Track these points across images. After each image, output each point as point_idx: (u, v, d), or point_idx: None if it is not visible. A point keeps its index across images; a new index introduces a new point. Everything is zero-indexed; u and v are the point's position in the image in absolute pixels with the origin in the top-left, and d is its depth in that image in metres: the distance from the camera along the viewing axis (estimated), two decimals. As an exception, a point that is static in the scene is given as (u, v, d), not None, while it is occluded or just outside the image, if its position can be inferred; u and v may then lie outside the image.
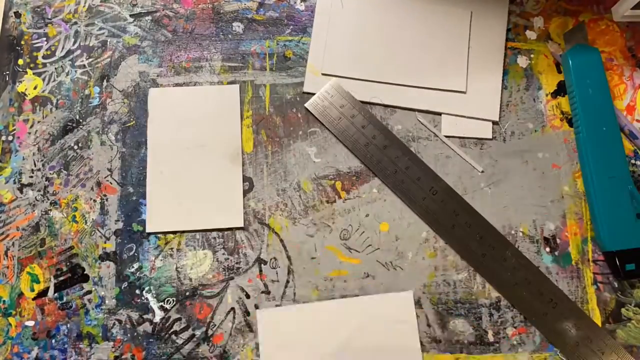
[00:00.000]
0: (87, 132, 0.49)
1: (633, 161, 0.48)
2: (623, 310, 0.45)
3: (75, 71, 0.50)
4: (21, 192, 0.48)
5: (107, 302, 0.45)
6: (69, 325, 0.45)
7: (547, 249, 0.46)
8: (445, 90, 0.49)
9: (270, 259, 0.46)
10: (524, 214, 0.47)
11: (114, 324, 0.45)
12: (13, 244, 0.47)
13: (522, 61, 0.50)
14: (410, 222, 0.47)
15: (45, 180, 0.48)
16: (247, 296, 0.45)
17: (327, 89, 0.49)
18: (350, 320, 0.44)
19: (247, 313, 0.45)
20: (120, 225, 0.47)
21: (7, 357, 0.44)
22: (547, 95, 0.49)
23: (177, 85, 0.50)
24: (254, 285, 0.46)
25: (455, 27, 0.50)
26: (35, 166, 0.48)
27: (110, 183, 0.48)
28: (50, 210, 0.47)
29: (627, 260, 0.44)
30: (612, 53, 0.50)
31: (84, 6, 0.52)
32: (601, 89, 0.47)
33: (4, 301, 0.45)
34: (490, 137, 0.48)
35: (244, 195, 0.47)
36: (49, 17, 0.51)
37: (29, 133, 0.49)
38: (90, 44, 0.51)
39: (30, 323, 0.45)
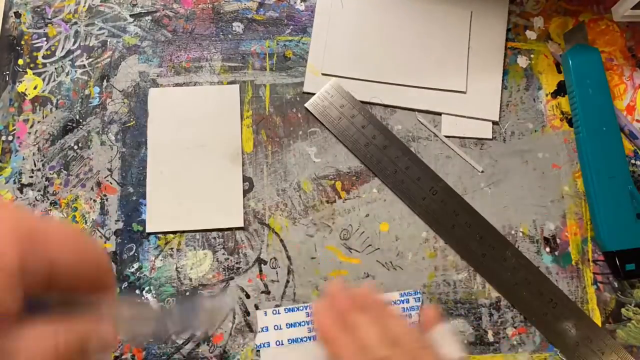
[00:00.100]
0: (87, 132, 0.49)
1: (633, 161, 0.48)
2: (623, 310, 0.45)
3: (75, 71, 0.50)
4: (21, 192, 0.48)
5: (107, 302, 0.45)
6: (69, 325, 0.45)
7: (547, 249, 0.46)
8: (445, 90, 0.49)
9: (270, 259, 0.46)
10: (524, 214, 0.47)
11: (114, 324, 0.45)
12: (13, 244, 0.47)
13: (522, 61, 0.50)
14: (410, 222, 0.47)
15: (45, 180, 0.48)
16: (247, 296, 0.45)
17: (327, 89, 0.49)
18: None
19: (247, 313, 0.45)
20: (120, 225, 0.47)
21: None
22: (547, 95, 0.49)
23: (177, 85, 0.50)
24: (254, 285, 0.46)
25: (455, 27, 0.50)
26: (35, 166, 0.48)
27: (110, 183, 0.48)
28: (50, 210, 0.47)
29: (627, 260, 0.44)
30: (612, 53, 0.50)
31: (84, 6, 0.52)
32: (601, 89, 0.47)
33: (4, 301, 0.45)
34: (490, 137, 0.48)
35: (244, 195, 0.47)
36: (49, 17, 0.51)
37: (29, 133, 0.49)
38: (90, 44, 0.51)
39: (30, 323, 0.45)
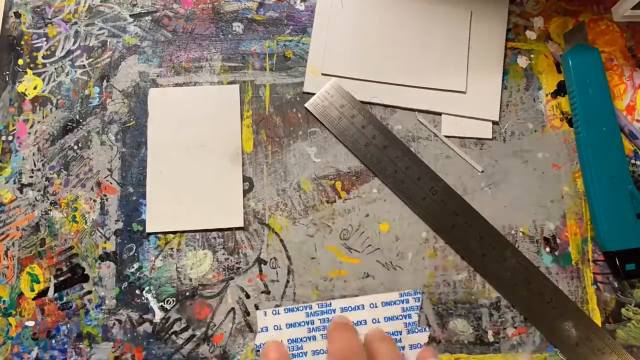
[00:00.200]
0: (87, 132, 0.49)
1: (633, 161, 0.48)
2: (623, 310, 0.45)
3: (75, 71, 0.50)
4: (21, 192, 0.48)
5: (107, 302, 0.45)
6: (69, 326, 0.45)
7: (547, 249, 0.46)
8: (445, 90, 0.49)
9: (270, 259, 0.46)
10: (524, 214, 0.47)
11: (114, 324, 0.45)
12: (13, 244, 0.47)
13: (522, 61, 0.50)
14: (410, 222, 0.47)
15: (45, 181, 0.48)
16: (247, 296, 0.45)
17: (327, 89, 0.49)
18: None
19: (247, 313, 0.45)
20: (120, 225, 0.47)
21: (7, 357, 0.44)
22: (547, 95, 0.49)
23: (177, 85, 0.50)
24: (254, 285, 0.46)
25: (455, 27, 0.50)
26: (35, 166, 0.48)
27: (110, 183, 0.48)
28: (50, 210, 0.47)
29: (627, 260, 0.44)
30: (612, 53, 0.50)
31: (84, 6, 0.52)
32: (601, 89, 0.47)
33: (4, 301, 0.45)
34: (490, 137, 0.48)
35: (244, 195, 0.47)
36: (49, 17, 0.51)
37: (29, 133, 0.49)
38: (90, 44, 0.51)
39: (30, 323, 0.45)
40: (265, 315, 0.45)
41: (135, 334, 0.45)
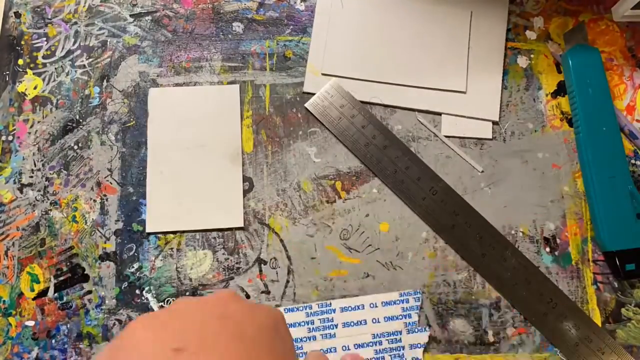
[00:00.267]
0: (87, 132, 0.49)
1: (633, 161, 0.48)
2: (623, 310, 0.45)
3: (75, 71, 0.50)
4: (21, 192, 0.48)
5: (107, 302, 0.45)
6: (69, 325, 0.45)
7: (547, 249, 0.46)
8: (445, 90, 0.49)
9: (270, 259, 0.46)
10: (524, 214, 0.47)
11: (114, 324, 0.45)
12: (13, 244, 0.47)
13: (522, 61, 0.50)
14: (410, 222, 0.47)
15: (45, 180, 0.48)
16: (247, 296, 0.45)
17: (327, 89, 0.49)
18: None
19: (247, 313, 0.45)
20: (120, 225, 0.47)
21: (7, 357, 0.44)
22: (547, 95, 0.49)
23: (177, 85, 0.50)
24: (254, 285, 0.46)
25: (455, 27, 0.50)
26: (35, 166, 0.48)
27: (110, 183, 0.48)
28: (50, 210, 0.47)
29: (627, 260, 0.44)
30: (612, 53, 0.50)
31: (84, 6, 0.52)
32: (601, 89, 0.47)
33: (4, 301, 0.45)
34: (490, 137, 0.48)
35: (244, 195, 0.47)
36: (49, 17, 0.51)
37: (29, 133, 0.49)
38: (90, 44, 0.51)
39: (30, 323, 0.45)
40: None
41: (135, 334, 0.45)
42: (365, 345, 0.44)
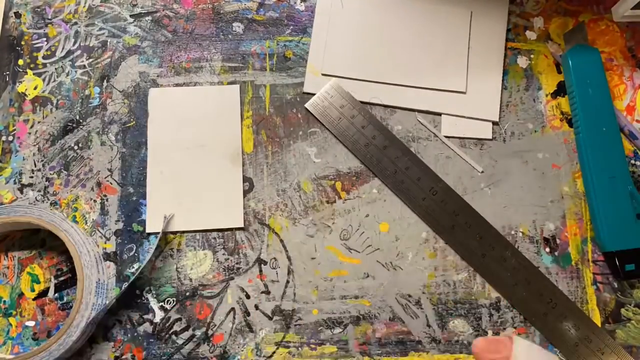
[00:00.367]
0: (87, 132, 0.49)
1: (633, 161, 0.48)
2: (623, 310, 0.45)
3: (76, 71, 0.50)
4: (21, 192, 0.48)
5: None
6: (69, 326, 0.45)
7: (547, 249, 0.46)
8: (445, 91, 0.49)
9: (270, 259, 0.46)
10: (524, 214, 0.47)
11: (114, 324, 0.45)
12: (13, 244, 0.47)
13: (522, 61, 0.50)
14: (410, 222, 0.47)
15: (46, 181, 0.48)
16: (247, 296, 0.45)
17: (327, 89, 0.49)
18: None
19: (247, 313, 0.45)
20: (120, 225, 0.47)
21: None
22: (547, 95, 0.49)
23: (177, 85, 0.50)
24: (254, 286, 0.46)
25: (455, 27, 0.50)
26: (35, 166, 0.48)
27: (111, 183, 0.48)
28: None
29: (627, 261, 0.44)
30: (612, 53, 0.50)
31: (84, 6, 0.52)
32: (601, 89, 0.47)
33: (5, 301, 0.46)
34: (490, 137, 0.48)
35: (244, 195, 0.47)
36: (49, 17, 0.51)
37: (29, 133, 0.49)
38: (91, 44, 0.51)
39: (31, 323, 0.45)
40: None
41: (136, 334, 0.45)
42: None
